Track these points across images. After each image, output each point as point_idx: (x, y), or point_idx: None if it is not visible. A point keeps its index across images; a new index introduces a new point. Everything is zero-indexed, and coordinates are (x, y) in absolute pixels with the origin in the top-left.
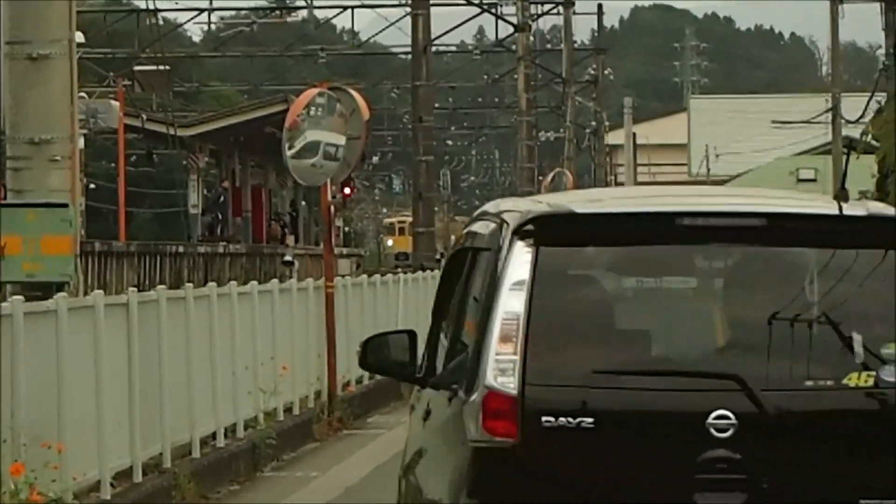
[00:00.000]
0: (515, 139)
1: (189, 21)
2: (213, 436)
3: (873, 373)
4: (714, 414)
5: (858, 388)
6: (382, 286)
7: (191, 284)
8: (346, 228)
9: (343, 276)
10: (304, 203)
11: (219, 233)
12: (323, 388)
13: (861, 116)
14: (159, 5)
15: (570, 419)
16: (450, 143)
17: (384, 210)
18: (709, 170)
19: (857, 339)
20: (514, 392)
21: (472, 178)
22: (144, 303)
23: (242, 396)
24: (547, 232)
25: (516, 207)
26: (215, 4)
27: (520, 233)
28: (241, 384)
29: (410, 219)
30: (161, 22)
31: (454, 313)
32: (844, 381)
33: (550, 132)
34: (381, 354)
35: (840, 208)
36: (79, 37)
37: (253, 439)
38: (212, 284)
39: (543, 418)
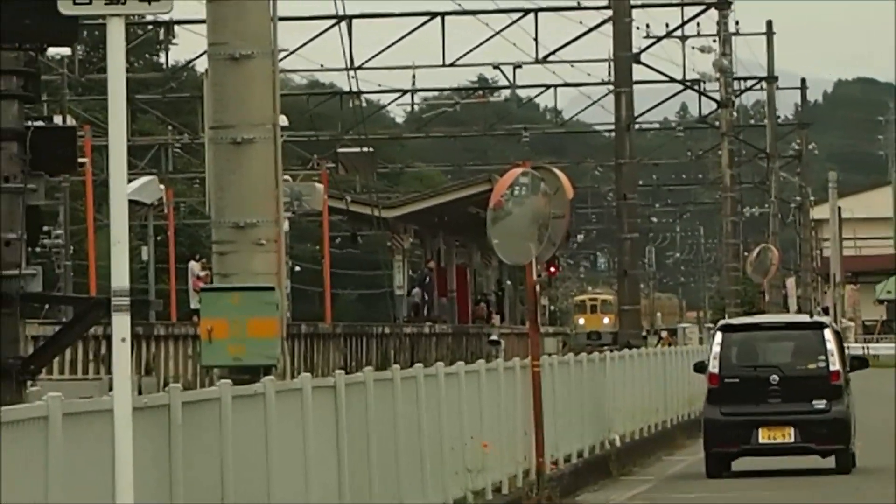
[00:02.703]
0: (720, 215)
1: (392, 102)
2: None
3: None
4: None
5: None
6: (589, 364)
7: (397, 365)
8: (552, 307)
9: (549, 354)
10: (509, 282)
11: (424, 313)
12: (531, 466)
13: None
14: (362, 87)
15: None
16: (654, 219)
17: (589, 288)
18: None
19: None
20: None
21: (677, 254)
22: (352, 385)
23: (450, 476)
24: None
25: None
26: (418, 85)
27: None
28: (448, 464)
29: (603, 296)
30: (364, 104)
31: None
32: None
33: (755, 207)
34: None
35: None
36: (282, 120)
37: None
38: (418, 366)
39: None
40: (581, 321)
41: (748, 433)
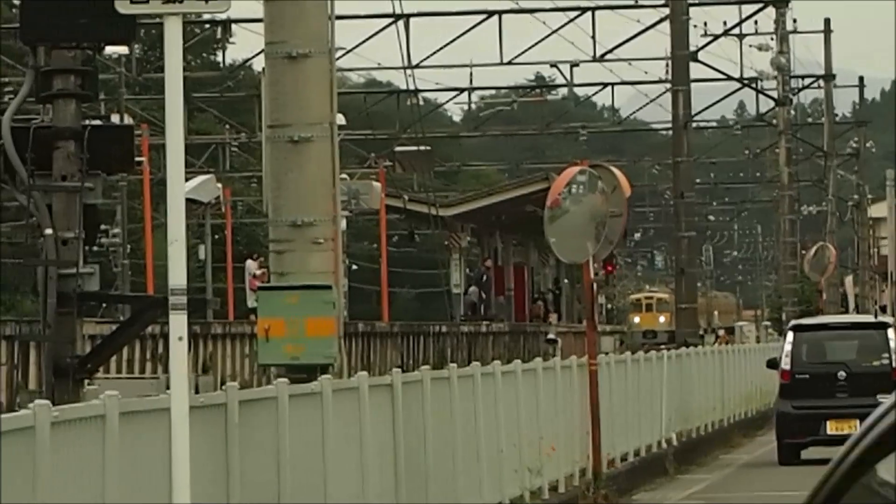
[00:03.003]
0: (777, 213)
1: (449, 101)
2: None
3: None
4: None
5: None
6: (646, 363)
7: (454, 364)
8: (609, 305)
9: (606, 353)
10: (566, 281)
11: (481, 312)
12: (588, 465)
13: None
14: (419, 85)
15: None
16: (711, 218)
17: (646, 287)
18: None
19: None
20: None
21: (735, 252)
22: (408, 383)
23: (508, 474)
24: None
25: None
26: (475, 84)
27: None
28: (505, 462)
29: (658, 294)
30: (421, 102)
31: None
32: None
33: (812, 206)
34: None
35: None
36: (340, 119)
37: None
38: (475, 364)
39: None
40: (636, 320)
41: (817, 425)
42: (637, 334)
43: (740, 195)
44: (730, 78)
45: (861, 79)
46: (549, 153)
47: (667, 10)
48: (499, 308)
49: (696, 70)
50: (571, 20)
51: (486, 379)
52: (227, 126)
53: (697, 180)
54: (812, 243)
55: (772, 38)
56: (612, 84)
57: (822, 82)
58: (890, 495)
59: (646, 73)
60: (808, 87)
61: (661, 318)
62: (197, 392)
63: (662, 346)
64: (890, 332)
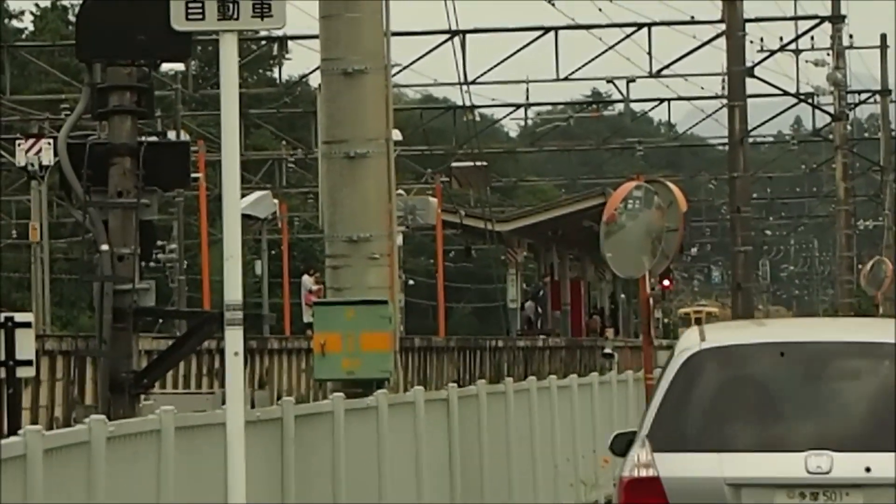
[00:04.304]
0: (834, 228)
1: (505, 117)
2: None
3: None
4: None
5: None
6: None
7: (510, 379)
8: (665, 320)
9: (662, 367)
10: (622, 296)
11: (538, 326)
12: None
13: None
14: (476, 101)
15: None
16: (768, 232)
17: (703, 302)
18: None
19: None
20: None
21: (792, 267)
22: (464, 397)
23: (563, 489)
24: None
25: None
26: (531, 100)
27: None
28: (562, 477)
29: (707, 308)
30: (477, 118)
31: None
32: None
33: (869, 220)
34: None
35: None
36: (396, 134)
37: None
38: (531, 378)
39: None
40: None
41: None
42: None
43: (797, 210)
44: (786, 93)
45: None
46: (605, 168)
47: (723, 26)
48: (555, 323)
49: (752, 85)
50: (628, 36)
51: (542, 393)
52: (284, 142)
53: (754, 195)
54: (869, 258)
55: (828, 54)
56: (669, 99)
57: (878, 97)
58: None
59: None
60: (864, 102)
61: None
62: (253, 407)
63: None
64: None
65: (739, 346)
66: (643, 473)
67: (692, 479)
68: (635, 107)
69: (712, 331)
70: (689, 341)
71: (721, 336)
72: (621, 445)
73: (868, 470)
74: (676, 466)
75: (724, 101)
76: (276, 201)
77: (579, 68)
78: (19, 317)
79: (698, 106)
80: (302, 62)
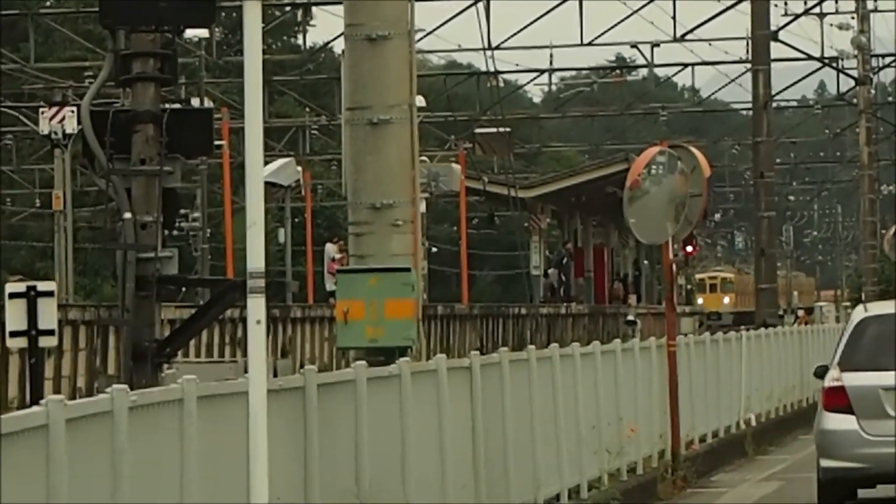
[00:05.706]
0: (857, 193)
1: (529, 83)
2: (557, 497)
3: None
4: None
5: None
6: (725, 344)
7: (533, 346)
8: (689, 286)
9: (685, 334)
10: (646, 262)
11: (561, 293)
12: (666, 446)
13: None
14: (499, 67)
15: None
16: (791, 198)
17: (718, 267)
18: None
19: None
20: None
21: (815, 232)
22: (487, 365)
23: (587, 457)
24: None
25: None
26: (555, 65)
27: None
28: (585, 444)
29: (723, 274)
30: (501, 84)
31: None
32: None
33: (893, 185)
34: None
35: None
36: (419, 101)
37: (598, 500)
38: (554, 346)
39: None
40: (700, 301)
41: None
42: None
43: (821, 175)
44: (810, 57)
45: None
46: (629, 134)
47: None
48: (578, 290)
49: (776, 50)
50: (651, 1)
51: (565, 361)
52: (308, 109)
53: (777, 160)
54: (893, 223)
55: (852, 17)
56: (693, 64)
57: None
58: None
59: (726, 52)
60: (888, 65)
61: (726, 300)
62: (275, 376)
63: (726, 329)
64: None
65: (889, 314)
66: (835, 384)
67: (862, 387)
68: (659, 72)
69: (872, 306)
70: (859, 313)
71: (878, 308)
72: (821, 371)
73: None
74: (853, 379)
75: (748, 65)
76: (299, 168)
77: (603, 33)
78: (42, 286)
79: (722, 71)
80: (326, 28)
